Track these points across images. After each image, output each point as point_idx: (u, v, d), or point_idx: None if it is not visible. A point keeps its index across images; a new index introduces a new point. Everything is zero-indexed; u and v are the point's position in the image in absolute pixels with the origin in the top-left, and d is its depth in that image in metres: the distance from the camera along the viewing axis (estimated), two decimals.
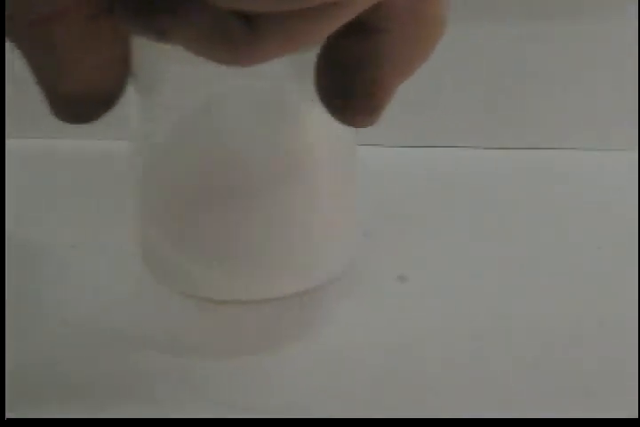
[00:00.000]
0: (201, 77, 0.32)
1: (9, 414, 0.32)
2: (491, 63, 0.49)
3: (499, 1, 0.48)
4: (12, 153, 0.46)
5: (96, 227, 0.43)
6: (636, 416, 0.34)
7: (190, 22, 0.25)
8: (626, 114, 0.49)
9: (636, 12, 0.47)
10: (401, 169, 0.48)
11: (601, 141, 0.50)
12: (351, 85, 0.28)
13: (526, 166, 0.49)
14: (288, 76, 0.32)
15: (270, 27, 0.25)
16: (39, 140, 0.45)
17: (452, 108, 0.49)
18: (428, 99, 0.48)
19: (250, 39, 0.25)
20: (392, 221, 0.44)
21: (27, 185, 0.46)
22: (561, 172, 0.49)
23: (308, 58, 0.29)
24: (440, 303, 0.40)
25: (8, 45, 0.27)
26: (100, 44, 0.27)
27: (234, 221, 0.35)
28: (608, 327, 0.39)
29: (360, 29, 0.27)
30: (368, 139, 0.43)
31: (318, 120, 0.30)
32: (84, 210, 0.45)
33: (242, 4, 0.24)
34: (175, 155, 0.35)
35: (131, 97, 0.31)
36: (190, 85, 0.33)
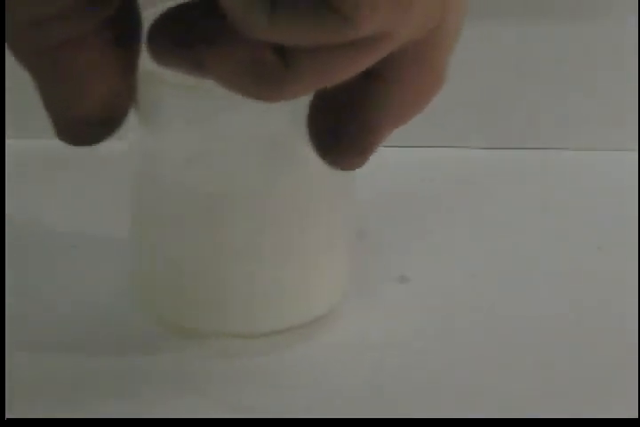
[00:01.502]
0: (202, 114, 0.33)
1: (9, 414, 0.32)
2: (491, 63, 0.49)
3: (499, 1, 0.48)
4: (11, 153, 0.46)
5: (96, 227, 0.43)
6: (636, 416, 0.34)
7: (228, 54, 0.25)
8: (626, 114, 0.49)
9: (636, 11, 0.47)
10: (401, 169, 0.48)
11: (601, 141, 0.50)
12: (343, 127, 0.28)
13: (526, 166, 0.49)
14: (288, 116, 0.32)
15: (304, 62, 0.25)
16: (39, 140, 0.45)
17: (452, 108, 0.49)
18: None
19: (284, 74, 0.25)
20: (392, 221, 0.44)
21: (27, 185, 0.46)
22: (561, 172, 0.49)
23: (306, 99, 0.29)
24: (440, 303, 0.40)
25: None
26: (112, 71, 0.27)
27: (234, 258, 0.36)
28: (608, 328, 0.39)
29: (363, 73, 0.27)
30: None
31: (319, 162, 0.30)
32: (84, 210, 0.45)
33: (278, 38, 0.24)
34: (175, 192, 0.35)
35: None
36: (190, 121, 0.33)
